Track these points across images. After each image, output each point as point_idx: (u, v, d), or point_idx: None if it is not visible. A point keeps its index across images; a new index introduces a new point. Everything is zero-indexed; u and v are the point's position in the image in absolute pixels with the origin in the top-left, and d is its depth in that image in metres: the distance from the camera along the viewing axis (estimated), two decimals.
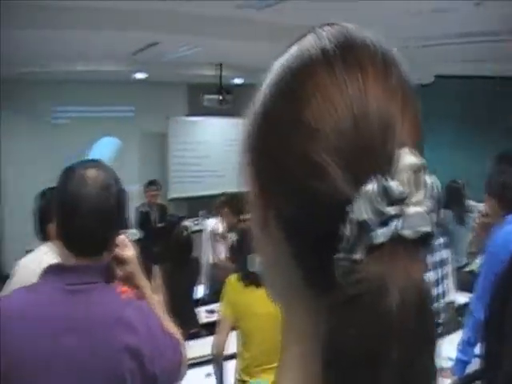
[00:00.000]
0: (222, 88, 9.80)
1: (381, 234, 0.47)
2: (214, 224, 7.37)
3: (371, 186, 0.47)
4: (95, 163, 1.76)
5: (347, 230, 0.48)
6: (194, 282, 5.79)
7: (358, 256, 0.47)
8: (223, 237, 7.13)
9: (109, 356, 1.60)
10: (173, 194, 11.61)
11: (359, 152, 0.50)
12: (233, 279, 3.78)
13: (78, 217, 1.65)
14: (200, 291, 6.60)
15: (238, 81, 10.77)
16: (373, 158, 0.49)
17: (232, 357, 3.94)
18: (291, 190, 0.52)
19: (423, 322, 0.47)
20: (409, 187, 0.48)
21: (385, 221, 0.47)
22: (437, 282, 4.15)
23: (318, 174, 0.50)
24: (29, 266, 3.19)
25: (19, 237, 8.68)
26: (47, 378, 1.58)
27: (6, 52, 7.64)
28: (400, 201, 0.47)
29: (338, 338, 0.46)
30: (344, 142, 0.50)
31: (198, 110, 11.26)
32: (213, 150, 11.93)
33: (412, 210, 0.48)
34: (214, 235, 7.27)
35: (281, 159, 0.53)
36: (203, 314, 5.87)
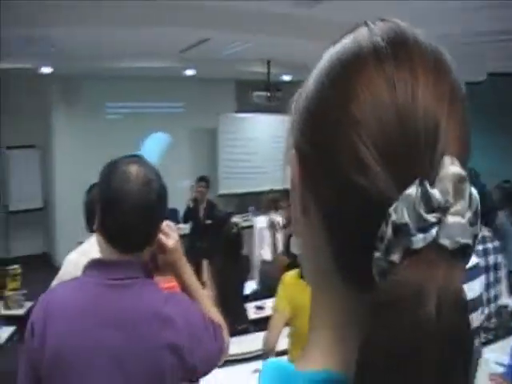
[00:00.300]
0: (271, 85, 9.79)
1: (419, 240, 0.47)
2: (263, 220, 7.36)
3: (414, 191, 0.47)
4: (136, 159, 1.76)
5: (387, 231, 0.48)
6: (244, 278, 5.80)
7: (395, 258, 0.47)
8: (284, 227, 7.14)
9: (148, 351, 1.61)
10: (222, 190, 11.67)
11: (403, 153, 0.49)
12: (291, 275, 3.77)
13: (120, 213, 1.66)
14: (250, 287, 6.61)
15: (286, 77, 10.75)
16: (416, 162, 0.49)
17: (283, 353, 3.93)
18: (333, 181, 0.53)
19: (460, 332, 0.46)
20: (451, 196, 0.48)
21: (424, 227, 0.47)
22: (488, 286, 4.05)
23: (362, 169, 0.50)
24: (73, 261, 3.28)
25: (72, 229, 8.88)
26: (89, 370, 1.60)
27: (61, 49, 7.82)
28: (441, 209, 0.47)
29: (376, 341, 0.46)
30: (388, 140, 0.50)
31: (246, 106, 11.29)
32: (261, 146, 11.94)
33: (452, 219, 0.47)
34: (273, 228, 7.24)
35: (325, 149, 0.54)
36: (252, 310, 5.88)
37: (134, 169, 1.68)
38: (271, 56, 9.25)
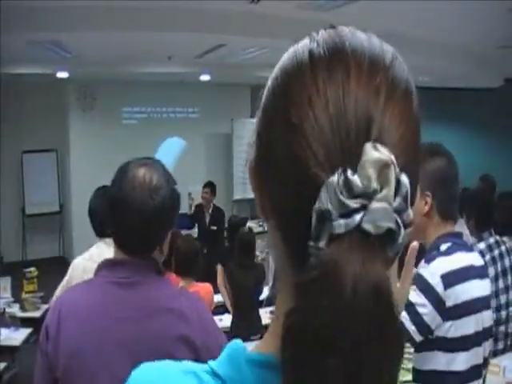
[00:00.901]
0: None
1: (341, 225, 0.49)
2: None
3: (335, 178, 0.50)
4: (147, 162, 1.78)
5: (313, 219, 0.51)
6: (258, 283, 5.79)
7: (321, 244, 0.50)
8: None
9: (161, 343, 1.63)
10: (237, 196, 11.68)
11: (334, 147, 0.52)
12: None
13: (125, 217, 1.69)
14: (265, 292, 6.59)
15: None
16: (346, 154, 0.52)
17: None
18: (277, 179, 0.57)
19: (378, 318, 0.48)
20: (375, 183, 0.49)
21: (347, 213, 0.49)
22: (506, 290, 4.02)
23: (299, 166, 0.53)
24: (80, 266, 3.37)
25: (88, 233, 8.91)
26: (104, 367, 1.62)
27: (78, 54, 7.89)
28: (365, 195, 0.49)
29: (295, 316, 0.49)
30: (321, 139, 0.53)
31: None
32: None
33: (376, 205, 0.49)
34: None
35: (273, 153, 0.58)
36: (266, 316, 5.87)
37: (141, 173, 1.70)
38: None
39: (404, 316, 2.05)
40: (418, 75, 9.61)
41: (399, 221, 0.50)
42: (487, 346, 2.20)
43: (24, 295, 6.07)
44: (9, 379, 5.24)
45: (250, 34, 6.77)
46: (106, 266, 1.75)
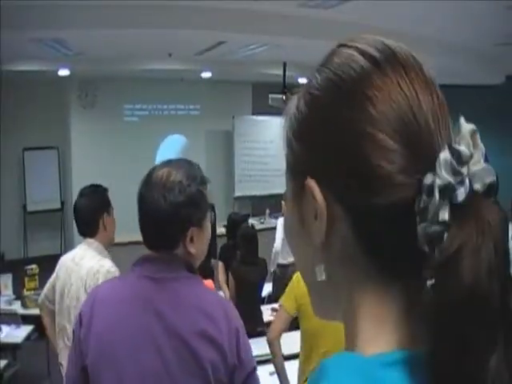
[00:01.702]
0: (286, 87, 9.78)
1: (462, 193, 0.54)
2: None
3: (447, 153, 0.55)
4: (170, 162, 1.85)
5: (434, 197, 0.54)
6: (260, 280, 5.78)
7: (445, 216, 0.54)
8: None
9: (187, 342, 1.66)
10: (238, 193, 11.68)
11: (420, 136, 0.58)
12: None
13: (141, 215, 1.81)
14: (266, 290, 6.60)
15: (302, 80, 10.74)
16: (432, 139, 0.58)
17: (295, 356, 3.92)
18: (359, 176, 0.58)
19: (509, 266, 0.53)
20: (472, 148, 0.55)
21: (462, 180, 0.54)
22: None
23: (387, 156, 0.57)
24: (63, 265, 3.38)
25: None
26: (130, 356, 1.67)
27: (79, 51, 7.89)
28: (467, 162, 0.55)
29: (443, 299, 0.51)
30: (407, 129, 0.58)
31: (263, 108, 11.30)
32: (277, 149, 11.89)
33: (477, 167, 0.55)
34: None
35: (352, 152, 0.59)
36: (268, 312, 5.87)
37: (160, 173, 1.78)
38: (287, 58, 9.25)
39: None
40: None
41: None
42: None
43: (25, 292, 6.08)
44: (10, 377, 5.25)
45: (251, 31, 6.77)
46: (140, 261, 1.81)
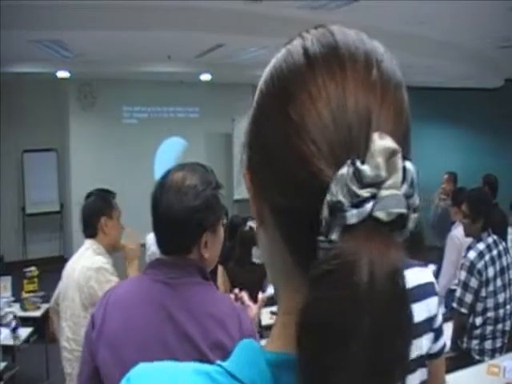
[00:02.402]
0: None
1: (353, 215, 0.50)
2: None
3: (345, 170, 0.51)
4: (185, 166, 1.86)
5: (324, 212, 0.51)
6: (259, 283, 5.77)
7: (334, 236, 0.51)
8: None
9: (199, 350, 1.66)
10: (237, 196, 11.68)
11: (338, 141, 0.54)
12: None
13: (155, 218, 1.80)
14: (267, 291, 6.59)
15: None
16: (349, 145, 0.53)
17: None
18: (280, 180, 0.57)
19: (395, 303, 0.49)
20: (383, 171, 0.50)
21: (358, 203, 0.50)
22: (504, 288, 4.05)
23: (302, 162, 0.54)
24: (66, 266, 3.40)
25: None
26: (140, 358, 1.63)
27: (78, 53, 7.90)
28: (374, 184, 0.50)
29: (311, 310, 0.49)
30: (325, 134, 0.54)
31: None
32: None
33: (385, 192, 0.50)
34: None
35: (271, 153, 0.58)
36: (267, 316, 5.86)
37: (174, 177, 1.79)
38: None
39: None
40: (419, 76, 9.61)
41: (409, 206, 0.51)
42: (418, 375, 2.02)
43: (24, 295, 6.07)
44: (9, 379, 5.24)
45: (250, 34, 6.78)
46: (155, 264, 1.81)
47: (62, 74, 9.44)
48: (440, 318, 2.10)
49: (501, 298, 4.01)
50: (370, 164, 0.50)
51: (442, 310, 4.13)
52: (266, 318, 5.76)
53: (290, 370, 0.55)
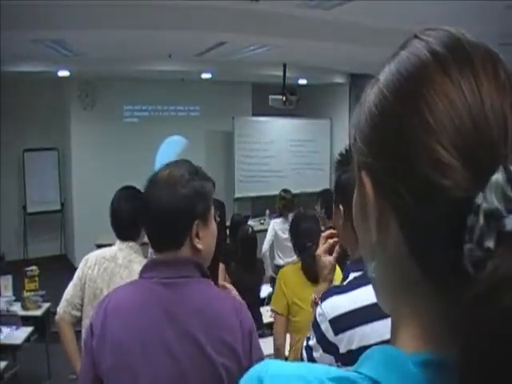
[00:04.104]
0: (285, 88, 9.78)
1: (510, 222, 0.48)
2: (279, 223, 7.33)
3: (500, 176, 0.49)
4: (172, 163, 1.88)
5: (478, 220, 0.50)
6: (259, 282, 5.78)
7: (490, 244, 0.49)
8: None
9: (202, 349, 1.66)
10: (238, 194, 11.67)
11: (479, 149, 0.52)
12: (290, 269, 3.75)
13: (147, 215, 1.82)
14: (265, 291, 6.60)
15: (302, 81, 10.75)
16: (494, 151, 0.52)
17: None
18: (415, 188, 0.55)
19: None
20: None
21: None
22: None
23: (442, 170, 0.52)
24: (89, 259, 3.30)
25: (89, 231, 8.94)
26: (145, 364, 1.66)
27: (79, 52, 7.89)
28: None
29: (482, 328, 0.48)
30: (465, 140, 0.52)
31: (262, 109, 11.30)
32: (277, 150, 11.94)
33: None
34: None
35: (403, 159, 0.56)
36: (267, 314, 5.87)
37: (162, 173, 1.81)
38: (287, 59, 9.25)
39: (304, 357, 1.97)
40: None
41: None
42: None
43: (25, 294, 6.07)
44: (10, 378, 5.25)
45: (251, 32, 6.76)
46: (150, 266, 1.81)
47: (63, 73, 9.42)
48: None
49: None
50: None
51: None
52: (267, 316, 5.77)
53: (442, 370, 0.54)
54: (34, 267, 6.38)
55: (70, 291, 3.27)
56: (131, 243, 3.26)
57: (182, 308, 1.70)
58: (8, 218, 10.34)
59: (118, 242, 3.33)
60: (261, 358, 1.78)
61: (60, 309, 3.28)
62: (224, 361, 1.66)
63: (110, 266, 3.21)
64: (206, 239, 1.81)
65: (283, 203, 7.36)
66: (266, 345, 4.28)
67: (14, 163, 10.69)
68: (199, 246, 1.79)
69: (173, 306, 1.70)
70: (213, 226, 1.87)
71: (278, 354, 3.74)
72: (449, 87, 0.54)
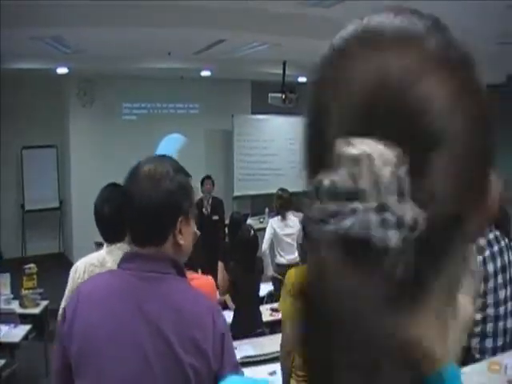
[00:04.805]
0: (285, 86, 9.76)
1: (323, 230, 0.44)
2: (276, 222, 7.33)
3: (317, 181, 0.45)
4: (154, 158, 1.88)
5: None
6: (259, 281, 5.77)
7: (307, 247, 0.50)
8: None
9: (172, 347, 1.63)
10: (237, 192, 11.66)
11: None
12: (298, 271, 3.75)
13: (130, 210, 1.80)
14: (265, 289, 6.61)
15: (301, 79, 10.72)
16: (323, 155, 0.48)
17: None
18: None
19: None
20: (355, 182, 0.43)
21: (328, 217, 0.44)
22: (505, 285, 4.03)
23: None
24: (78, 267, 3.27)
25: (88, 229, 8.92)
26: (114, 355, 1.64)
27: (78, 49, 7.87)
28: (345, 196, 0.43)
29: None
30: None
31: (262, 107, 11.28)
32: (276, 148, 11.93)
33: (357, 206, 0.43)
34: None
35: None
36: (267, 312, 5.87)
37: (146, 168, 1.78)
38: (287, 57, 9.24)
39: None
40: None
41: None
42: None
43: (23, 292, 6.06)
44: (8, 376, 5.23)
45: (250, 30, 6.75)
46: (129, 258, 1.80)
47: (62, 70, 9.41)
48: None
49: (501, 294, 3.99)
50: (340, 175, 0.46)
51: None
52: (267, 314, 5.77)
53: None
54: (32, 265, 6.37)
55: (64, 303, 3.29)
56: (119, 244, 3.21)
57: (155, 303, 1.67)
58: (6, 215, 10.33)
59: (105, 244, 3.31)
60: (233, 362, 1.76)
61: (59, 316, 3.27)
62: (192, 361, 1.63)
63: (100, 271, 3.19)
64: (187, 236, 1.81)
65: (280, 202, 7.35)
66: (267, 343, 4.28)
67: (13, 161, 10.68)
68: (181, 241, 1.78)
69: (146, 300, 1.68)
70: (193, 223, 1.86)
71: (288, 358, 3.70)
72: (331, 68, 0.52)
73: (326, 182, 0.44)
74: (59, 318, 1.79)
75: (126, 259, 1.80)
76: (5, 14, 5.20)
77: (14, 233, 10.77)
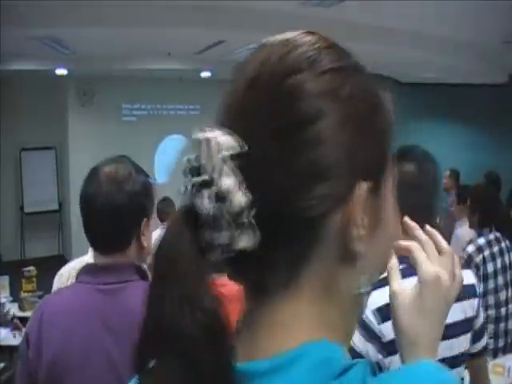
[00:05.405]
0: None
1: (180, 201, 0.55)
2: None
3: (185, 160, 0.58)
4: (113, 159, 1.80)
5: None
6: None
7: None
8: None
9: None
10: None
11: None
12: None
13: (91, 215, 1.70)
14: None
15: None
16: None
17: None
18: None
19: None
20: (197, 161, 0.56)
21: (187, 190, 0.55)
22: (506, 286, 4.02)
23: None
24: (63, 275, 3.30)
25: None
26: (83, 375, 1.59)
27: (77, 50, 7.86)
28: (190, 172, 0.55)
29: None
30: None
31: None
32: None
33: (195, 180, 0.54)
34: None
35: None
36: None
37: (106, 170, 1.71)
38: None
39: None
40: (421, 72, 9.56)
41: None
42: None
43: (23, 294, 6.03)
44: (7, 379, 5.21)
45: (251, 30, 6.72)
46: (88, 270, 1.73)
47: (61, 71, 9.40)
48: (481, 320, 2.07)
49: (502, 295, 3.98)
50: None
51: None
52: None
53: None
54: (31, 268, 6.33)
55: None
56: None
57: (121, 317, 1.60)
58: (5, 217, 10.30)
59: (90, 249, 3.29)
60: None
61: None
62: None
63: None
64: (147, 235, 1.77)
65: None
66: None
67: (11, 162, 10.66)
68: (145, 243, 1.74)
69: (111, 313, 1.62)
70: (152, 224, 1.81)
71: None
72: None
73: (187, 161, 0.55)
74: (22, 343, 1.70)
75: (85, 272, 1.73)
76: (3, 15, 5.18)
77: (13, 235, 10.75)
